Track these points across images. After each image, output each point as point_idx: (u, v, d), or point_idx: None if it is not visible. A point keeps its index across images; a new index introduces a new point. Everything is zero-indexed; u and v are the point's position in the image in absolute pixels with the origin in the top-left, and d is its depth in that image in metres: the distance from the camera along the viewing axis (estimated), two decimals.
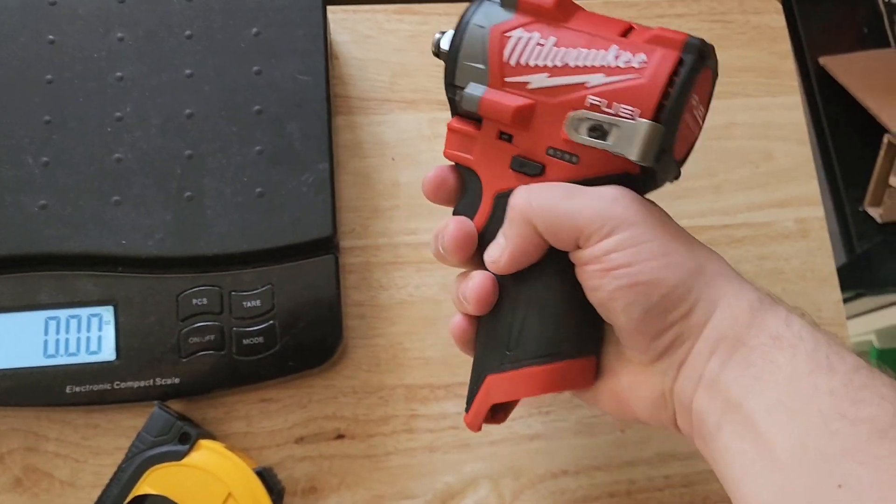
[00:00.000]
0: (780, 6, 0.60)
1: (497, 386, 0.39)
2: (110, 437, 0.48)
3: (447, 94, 0.40)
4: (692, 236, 0.37)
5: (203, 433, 0.45)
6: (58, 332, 0.45)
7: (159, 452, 0.43)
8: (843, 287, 0.55)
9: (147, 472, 0.43)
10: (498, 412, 0.41)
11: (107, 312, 0.46)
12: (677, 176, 0.39)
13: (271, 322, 0.46)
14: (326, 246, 0.47)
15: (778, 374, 0.32)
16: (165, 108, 0.48)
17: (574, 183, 0.36)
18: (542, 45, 0.36)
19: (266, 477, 0.44)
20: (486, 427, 0.50)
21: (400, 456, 0.49)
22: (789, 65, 0.60)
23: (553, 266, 0.37)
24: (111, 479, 0.43)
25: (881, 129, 0.80)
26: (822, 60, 0.84)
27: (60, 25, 0.49)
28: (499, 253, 0.38)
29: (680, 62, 0.34)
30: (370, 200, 0.53)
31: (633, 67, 0.35)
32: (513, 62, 0.37)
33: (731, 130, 0.57)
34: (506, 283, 0.39)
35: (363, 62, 0.56)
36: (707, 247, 0.37)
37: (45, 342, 0.45)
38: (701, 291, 0.35)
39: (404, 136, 0.55)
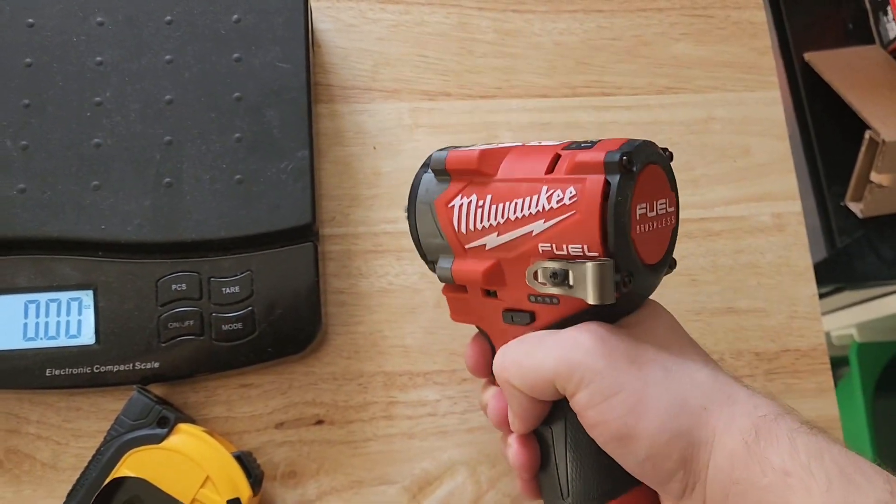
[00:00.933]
0: (760, 2, 0.60)
1: None
2: (92, 420, 0.48)
3: (428, 267, 0.42)
4: (668, 351, 0.35)
5: (183, 417, 0.45)
6: (37, 315, 0.46)
7: (138, 436, 0.43)
8: (825, 281, 0.56)
9: (125, 455, 0.43)
10: None
11: (86, 296, 0.46)
12: (672, 267, 0.38)
13: (250, 308, 0.46)
14: (305, 233, 0.48)
15: None
16: (145, 94, 0.48)
17: (561, 321, 0.36)
18: (482, 206, 0.37)
19: (245, 461, 0.44)
20: (463, 415, 0.51)
21: (379, 442, 0.49)
22: (769, 60, 0.60)
23: (567, 411, 0.36)
24: (90, 462, 0.43)
25: (864, 126, 0.81)
26: (808, 56, 0.85)
27: (40, 9, 0.49)
28: (511, 418, 0.38)
29: (607, 185, 0.33)
30: (351, 189, 0.54)
31: (566, 205, 0.34)
32: (464, 230, 0.38)
33: (709, 125, 0.58)
34: (542, 434, 0.39)
35: (346, 51, 0.56)
36: (688, 356, 0.36)
37: (25, 325, 0.45)
38: (691, 433, 0.33)
39: (386, 126, 0.55)
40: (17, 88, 0.47)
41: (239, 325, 0.46)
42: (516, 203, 0.36)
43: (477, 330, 0.43)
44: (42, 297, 0.46)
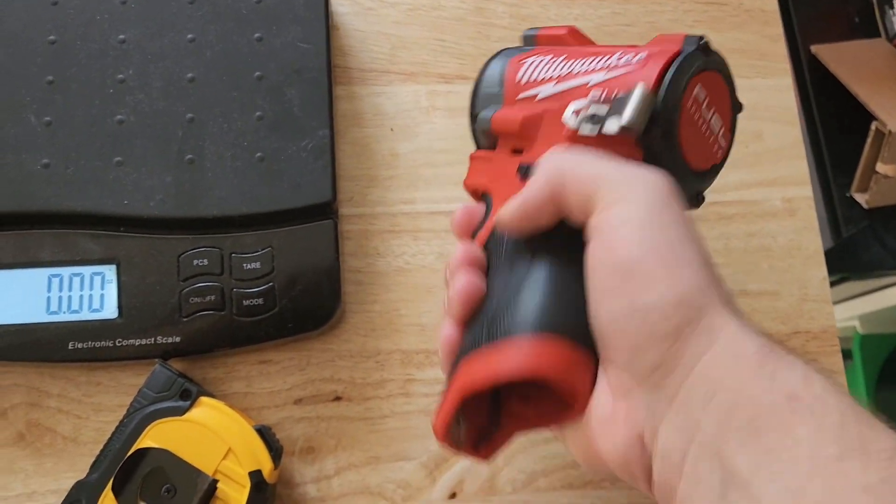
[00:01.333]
0: None
1: (470, 369, 0.32)
2: (112, 394, 0.48)
3: (471, 129, 0.43)
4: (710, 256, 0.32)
5: (203, 392, 0.46)
6: (60, 289, 0.46)
7: (161, 408, 0.44)
8: (829, 271, 0.57)
9: (149, 427, 0.43)
10: (486, 438, 0.35)
11: (109, 271, 0.46)
12: (699, 196, 0.37)
13: (271, 284, 0.47)
14: (326, 211, 0.48)
15: (798, 452, 0.25)
16: (167, 72, 0.49)
17: None
18: (552, 61, 0.38)
19: (265, 435, 0.45)
20: None
21: (396, 419, 0.50)
22: (781, 48, 0.61)
23: (560, 241, 0.34)
24: (113, 433, 0.44)
25: (870, 117, 0.81)
26: (814, 49, 0.86)
27: None
28: (511, 207, 0.34)
29: (678, 54, 0.35)
30: (369, 170, 0.54)
31: (631, 62, 0.35)
32: (524, 81, 0.39)
33: None
34: (500, 264, 0.36)
35: (364, 34, 0.57)
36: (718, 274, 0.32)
37: (48, 299, 0.46)
38: (699, 311, 0.29)
39: (403, 108, 0.55)
40: (41, 65, 0.48)
41: (259, 301, 0.47)
42: (587, 59, 0.37)
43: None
44: (65, 272, 0.46)
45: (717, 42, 0.59)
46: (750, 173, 0.57)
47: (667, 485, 0.29)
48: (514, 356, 0.31)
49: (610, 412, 0.31)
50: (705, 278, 0.30)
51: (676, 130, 0.34)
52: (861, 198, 0.83)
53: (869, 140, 0.81)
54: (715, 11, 0.60)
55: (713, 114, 0.36)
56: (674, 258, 0.30)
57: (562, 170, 0.33)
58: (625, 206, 0.31)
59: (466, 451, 0.35)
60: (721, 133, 0.37)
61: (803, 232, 0.57)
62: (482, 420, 0.35)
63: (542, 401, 0.34)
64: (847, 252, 0.79)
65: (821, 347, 0.55)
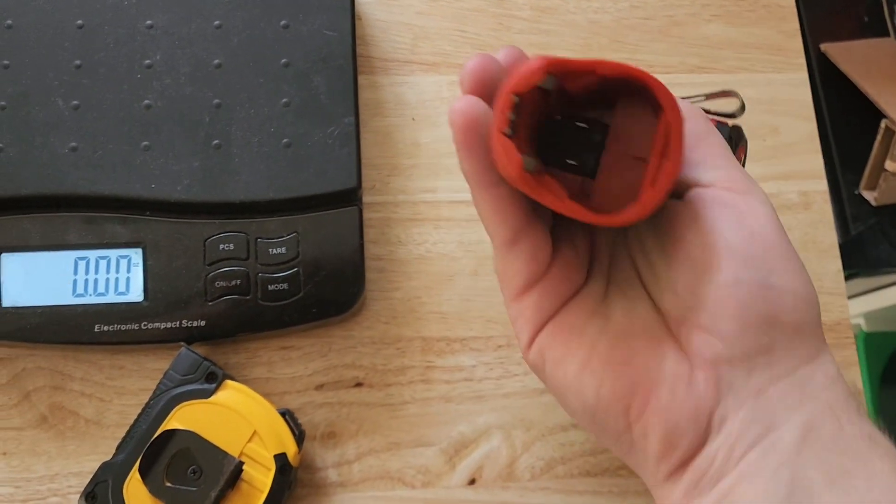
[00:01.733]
0: None
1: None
2: (135, 378, 0.49)
3: None
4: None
5: (228, 375, 0.46)
6: (87, 272, 0.46)
7: (187, 390, 0.44)
8: None
9: (175, 409, 0.44)
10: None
11: (135, 254, 0.47)
12: None
13: (296, 269, 0.47)
14: (351, 197, 0.49)
15: (873, 482, 0.26)
16: (194, 58, 0.49)
17: None
18: None
19: (289, 418, 0.45)
20: (499, 380, 0.52)
21: (416, 405, 0.50)
22: (796, 43, 0.62)
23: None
24: (139, 415, 0.44)
25: (879, 115, 0.82)
26: (824, 47, 0.86)
27: None
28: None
29: None
30: (390, 158, 0.54)
31: None
32: None
33: None
34: None
35: (386, 24, 0.57)
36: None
37: (75, 281, 0.46)
38: (817, 319, 0.31)
39: (425, 98, 0.56)
40: (68, 50, 0.48)
41: (284, 286, 0.47)
42: None
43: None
44: (92, 255, 0.46)
45: (734, 37, 0.60)
46: (766, 166, 0.58)
47: (711, 468, 0.28)
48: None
49: (686, 374, 0.29)
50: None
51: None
52: (869, 195, 0.84)
53: (878, 138, 0.81)
54: (732, 6, 0.61)
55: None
56: (801, 263, 0.31)
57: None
58: (759, 194, 0.31)
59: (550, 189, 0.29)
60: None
61: (818, 225, 0.57)
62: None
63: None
64: (854, 249, 0.80)
65: (836, 339, 0.55)
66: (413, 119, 0.55)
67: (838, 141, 0.85)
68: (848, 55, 0.86)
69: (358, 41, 0.56)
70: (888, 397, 1.00)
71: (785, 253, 0.30)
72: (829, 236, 0.57)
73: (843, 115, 0.86)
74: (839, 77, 0.86)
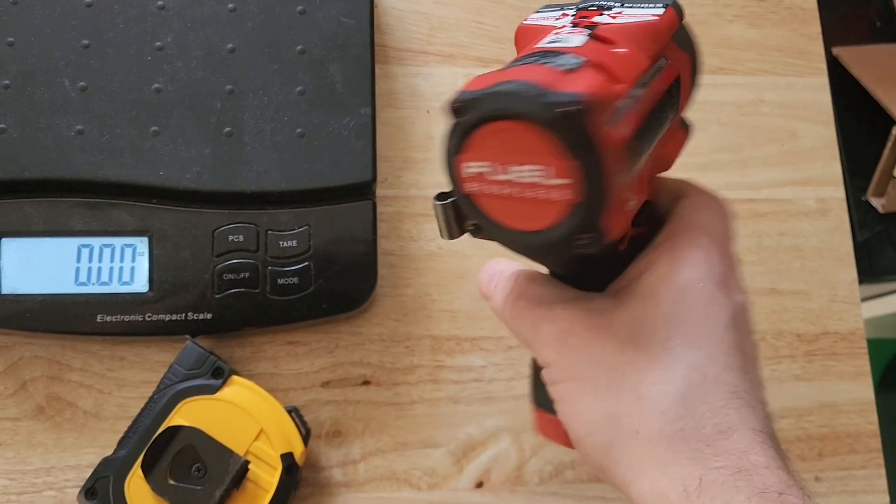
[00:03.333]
0: None
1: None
2: (136, 370, 0.47)
3: None
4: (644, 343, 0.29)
5: (234, 370, 0.45)
6: (90, 260, 0.45)
7: (193, 385, 0.43)
8: None
9: (180, 404, 0.42)
10: None
11: (141, 243, 0.45)
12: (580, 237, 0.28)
13: (307, 263, 0.46)
14: (365, 191, 0.47)
15: None
16: (207, 42, 0.47)
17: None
18: None
19: (295, 416, 0.44)
20: (509, 382, 0.51)
21: (424, 405, 0.49)
22: (818, 47, 0.61)
23: None
24: (143, 409, 0.43)
25: (890, 122, 0.81)
26: (836, 51, 0.85)
27: None
28: None
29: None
30: (403, 151, 0.53)
31: None
32: None
33: (758, 107, 0.58)
34: None
35: (402, 13, 0.56)
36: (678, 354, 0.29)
37: (77, 269, 0.45)
38: (619, 454, 0.29)
39: (440, 90, 0.54)
40: (76, 28, 0.46)
41: (295, 280, 0.46)
42: None
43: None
44: (96, 242, 0.45)
45: (756, 38, 0.59)
46: (784, 172, 0.57)
47: None
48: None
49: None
50: (607, 408, 0.30)
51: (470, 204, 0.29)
52: (877, 202, 0.83)
53: (889, 145, 0.81)
54: (755, 7, 0.60)
55: (521, 169, 0.27)
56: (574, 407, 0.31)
57: None
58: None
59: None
60: (555, 185, 0.27)
61: (835, 233, 0.56)
62: None
63: None
64: (860, 256, 0.79)
65: (849, 349, 0.55)
66: (427, 112, 0.54)
67: (847, 146, 0.84)
68: (860, 59, 0.85)
69: (374, 28, 0.54)
70: (885, 403, 1.00)
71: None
72: (845, 244, 0.56)
73: (852, 120, 0.86)
74: (850, 81, 0.85)
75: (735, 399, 0.28)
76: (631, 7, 0.32)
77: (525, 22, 0.34)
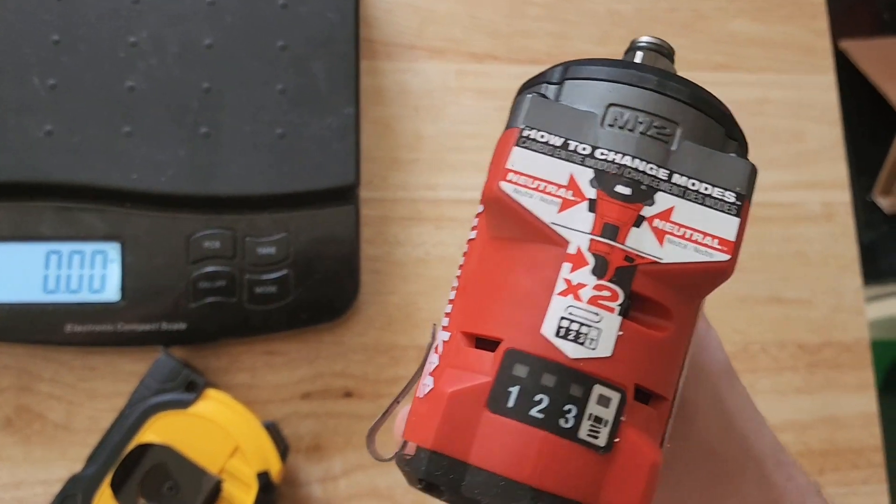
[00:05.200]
0: None
1: None
2: (108, 380, 0.45)
3: None
4: None
5: (210, 383, 0.43)
6: (59, 266, 0.43)
7: (165, 400, 0.41)
8: None
9: (151, 419, 0.40)
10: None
11: (112, 250, 0.43)
12: None
13: (286, 271, 0.44)
14: (347, 195, 0.45)
15: None
16: (183, 37, 0.45)
17: None
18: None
19: (274, 432, 0.42)
20: None
21: None
22: (825, 43, 0.58)
23: None
24: (112, 424, 0.41)
25: None
26: (844, 45, 0.83)
27: None
28: None
29: None
30: (390, 151, 0.51)
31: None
32: None
33: (763, 107, 0.55)
34: None
35: (391, 5, 0.53)
36: None
37: (46, 277, 0.43)
38: None
39: (430, 87, 0.52)
40: (46, 23, 0.44)
41: (273, 289, 0.44)
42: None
43: None
44: (65, 248, 0.43)
45: (761, 34, 0.56)
46: (789, 174, 0.55)
47: None
48: None
49: None
50: None
51: None
52: (883, 202, 0.81)
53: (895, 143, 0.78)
54: (760, 1, 0.57)
55: None
56: None
57: None
58: None
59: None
60: None
61: (840, 238, 0.54)
62: None
63: None
64: (865, 257, 0.77)
65: (852, 360, 0.53)
66: (416, 110, 0.52)
67: (852, 143, 0.82)
68: (868, 54, 0.82)
69: (361, 23, 0.52)
70: (888, 405, 0.98)
71: None
72: (850, 250, 0.54)
73: (858, 117, 0.83)
74: (856, 76, 0.83)
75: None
76: (694, 191, 0.21)
77: (502, 185, 0.21)
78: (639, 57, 0.24)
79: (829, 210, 0.55)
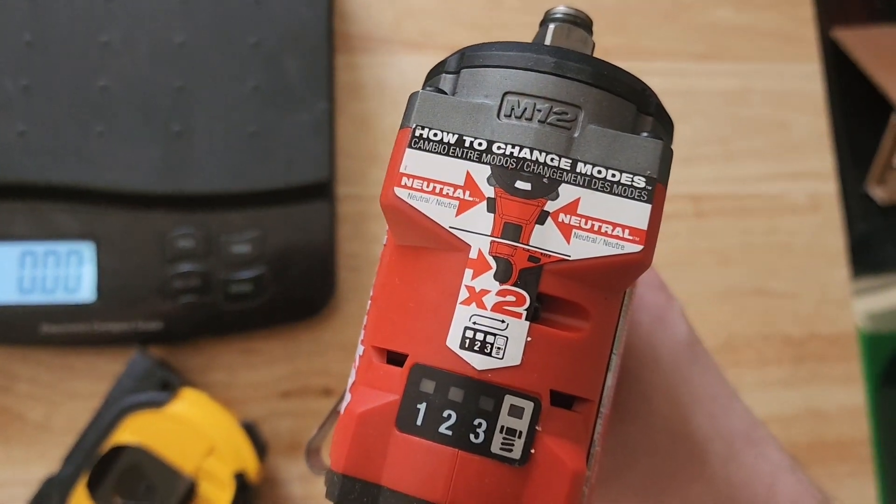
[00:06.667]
0: None
1: None
2: (87, 380, 0.45)
3: None
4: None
5: (185, 382, 0.43)
6: (34, 267, 0.43)
7: (139, 400, 0.41)
8: None
9: (126, 419, 0.40)
10: None
11: (87, 249, 0.43)
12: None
13: (261, 270, 0.44)
14: (322, 191, 0.45)
15: None
16: (155, 35, 0.45)
17: None
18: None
19: (252, 432, 0.42)
20: None
21: None
22: (809, 31, 0.58)
23: None
24: (88, 425, 0.41)
25: (889, 108, 0.78)
26: (836, 33, 0.82)
27: None
28: None
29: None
30: (368, 147, 0.51)
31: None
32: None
33: (746, 97, 0.55)
34: None
35: None
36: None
37: (21, 277, 0.42)
38: None
39: (408, 81, 0.52)
40: (18, 24, 0.44)
41: (248, 287, 0.44)
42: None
43: None
44: (39, 248, 0.43)
45: (744, 22, 0.56)
46: (773, 165, 0.54)
47: None
48: None
49: None
50: None
51: None
52: (875, 193, 0.80)
53: (887, 133, 0.77)
54: None
55: None
56: None
57: None
58: None
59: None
60: None
61: (826, 229, 0.54)
62: None
63: None
64: (859, 250, 0.76)
65: (839, 353, 0.52)
66: (394, 104, 0.51)
67: (845, 134, 0.81)
68: (860, 42, 0.81)
69: (336, 17, 0.52)
70: (888, 400, 0.97)
71: None
72: (836, 241, 0.54)
73: (851, 106, 0.82)
74: (847, 65, 0.82)
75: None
76: (601, 179, 0.19)
77: (396, 190, 0.20)
78: (550, 30, 0.22)
79: (814, 201, 0.54)
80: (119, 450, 0.39)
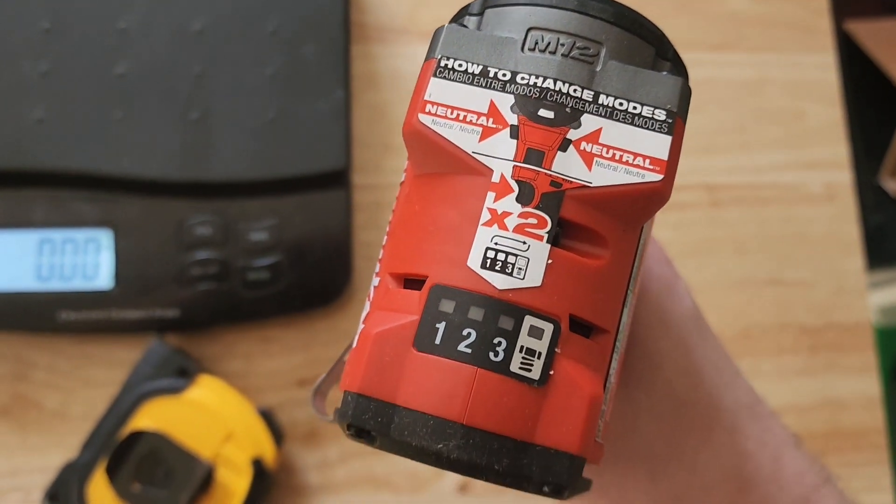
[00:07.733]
0: None
1: None
2: (104, 368, 0.45)
3: None
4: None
5: (203, 369, 0.43)
6: (52, 254, 0.43)
7: (157, 386, 0.41)
8: None
9: (143, 405, 0.40)
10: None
11: (105, 237, 0.43)
12: None
13: (278, 257, 0.44)
14: (339, 179, 0.45)
15: None
16: (173, 22, 0.45)
17: None
18: None
19: (269, 419, 0.42)
20: None
21: None
22: (825, 22, 0.57)
23: None
24: (106, 411, 0.41)
25: None
26: (848, 26, 0.82)
27: None
28: None
29: None
30: (384, 136, 0.51)
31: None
32: None
33: (763, 87, 0.55)
34: None
35: None
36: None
37: (39, 265, 0.43)
38: None
39: None
40: (36, 10, 0.44)
41: (265, 275, 0.44)
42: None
43: None
44: (57, 236, 0.43)
45: (761, 12, 0.55)
46: (789, 155, 0.54)
47: None
48: None
49: None
50: None
51: None
52: (890, 185, 0.80)
53: None
54: None
55: None
56: None
57: None
58: None
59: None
60: None
61: (841, 219, 0.54)
62: None
63: None
64: (873, 241, 0.76)
65: (855, 342, 0.52)
66: (409, 94, 0.51)
67: (859, 126, 0.81)
68: (873, 34, 0.81)
69: (353, 7, 0.52)
70: None
71: None
72: (852, 231, 0.54)
73: (865, 98, 0.82)
74: (859, 57, 0.82)
75: None
76: (622, 111, 0.20)
77: (420, 117, 0.21)
78: None
79: (830, 191, 0.54)
80: (137, 435, 0.40)
